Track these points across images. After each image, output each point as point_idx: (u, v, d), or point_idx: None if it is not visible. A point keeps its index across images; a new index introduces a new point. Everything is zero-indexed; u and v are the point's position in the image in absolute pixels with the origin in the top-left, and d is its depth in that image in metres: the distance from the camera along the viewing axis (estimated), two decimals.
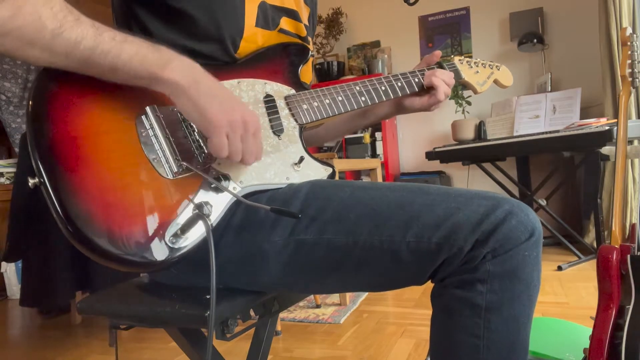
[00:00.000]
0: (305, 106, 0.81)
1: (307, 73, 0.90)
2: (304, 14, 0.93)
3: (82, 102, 0.62)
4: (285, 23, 0.87)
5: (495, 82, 1.03)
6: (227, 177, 0.70)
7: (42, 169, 0.56)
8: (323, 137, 1.07)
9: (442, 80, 0.89)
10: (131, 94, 0.65)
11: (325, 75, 3.86)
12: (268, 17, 0.83)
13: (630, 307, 0.91)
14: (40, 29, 0.55)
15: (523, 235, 0.59)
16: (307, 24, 0.92)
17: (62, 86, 0.61)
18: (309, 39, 0.92)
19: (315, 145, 1.11)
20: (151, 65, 0.61)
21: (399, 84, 0.89)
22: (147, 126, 0.65)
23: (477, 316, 0.60)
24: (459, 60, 0.98)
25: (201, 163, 0.68)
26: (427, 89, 0.90)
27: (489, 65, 1.02)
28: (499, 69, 1.03)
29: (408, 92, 0.90)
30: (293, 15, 0.88)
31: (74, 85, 0.62)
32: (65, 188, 0.56)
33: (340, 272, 0.67)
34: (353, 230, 0.64)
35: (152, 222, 0.61)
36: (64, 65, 0.59)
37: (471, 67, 0.99)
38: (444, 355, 0.64)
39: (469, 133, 3.19)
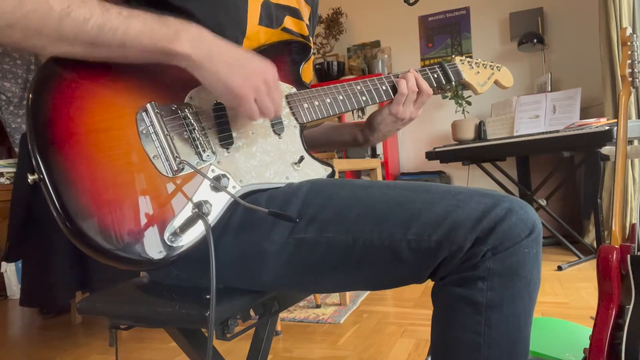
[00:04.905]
0: (306, 105, 0.80)
1: (308, 72, 0.90)
2: (305, 13, 0.93)
3: (83, 98, 0.62)
4: (289, 22, 0.86)
5: (496, 82, 1.03)
6: (226, 176, 0.69)
7: (41, 165, 0.56)
8: (315, 144, 1.06)
9: (410, 78, 0.87)
10: (132, 90, 0.65)
11: (325, 75, 3.86)
12: (272, 16, 0.83)
13: (630, 307, 0.91)
14: (47, 11, 0.54)
15: (523, 232, 0.59)
16: (307, 23, 0.92)
17: (62, 82, 0.61)
18: (310, 38, 0.92)
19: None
20: (160, 40, 0.61)
21: None
22: (148, 123, 0.65)
23: (477, 314, 0.60)
24: (460, 60, 0.98)
25: (201, 161, 0.68)
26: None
27: (490, 65, 1.02)
28: (499, 70, 1.03)
29: None
30: (296, 13, 0.88)
31: (75, 81, 0.62)
32: (64, 184, 0.56)
33: (340, 271, 0.67)
34: (353, 229, 0.64)
35: (151, 220, 0.61)
36: (70, 51, 0.59)
37: (472, 67, 0.99)
38: (445, 353, 0.64)
39: (469, 133, 3.19)
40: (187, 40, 0.62)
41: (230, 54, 0.66)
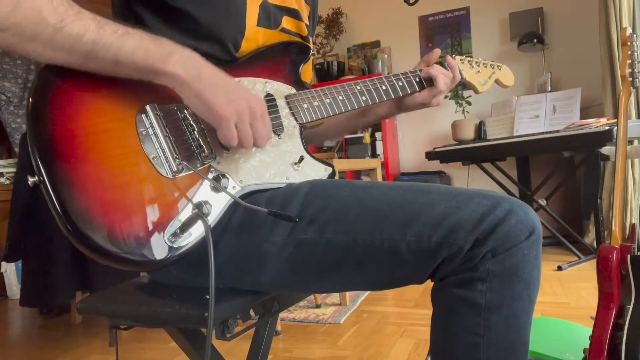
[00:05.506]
0: (305, 105, 0.80)
1: (307, 72, 0.90)
2: (305, 13, 0.93)
3: (82, 100, 0.62)
4: (287, 22, 0.87)
5: (497, 82, 1.02)
6: (226, 177, 0.69)
7: (41, 167, 0.56)
8: (322, 135, 1.07)
9: (441, 72, 0.89)
10: (131, 92, 0.65)
11: (325, 75, 3.86)
12: (270, 17, 0.83)
13: (630, 307, 0.91)
14: (41, 23, 0.55)
15: (523, 234, 0.59)
16: (307, 23, 0.92)
17: (62, 84, 0.61)
18: (310, 38, 0.93)
19: (315, 143, 1.12)
20: (153, 58, 0.61)
21: (400, 84, 0.89)
22: (147, 125, 0.65)
23: (477, 315, 0.60)
24: (460, 59, 0.98)
25: (201, 162, 0.68)
26: (428, 85, 0.91)
27: (490, 65, 1.02)
28: (500, 69, 1.03)
29: (409, 92, 0.90)
30: (294, 14, 0.88)
31: (74, 83, 0.62)
32: (64, 186, 0.56)
33: (340, 272, 0.67)
34: (353, 230, 0.64)
35: (151, 221, 0.61)
36: (65, 61, 0.59)
37: (472, 66, 0.99)
38: (445, 354, 0.64)
39: (469, 133, 3.19)
40: (179, 60, 0.62)
41: (220, 78, 0.66)
